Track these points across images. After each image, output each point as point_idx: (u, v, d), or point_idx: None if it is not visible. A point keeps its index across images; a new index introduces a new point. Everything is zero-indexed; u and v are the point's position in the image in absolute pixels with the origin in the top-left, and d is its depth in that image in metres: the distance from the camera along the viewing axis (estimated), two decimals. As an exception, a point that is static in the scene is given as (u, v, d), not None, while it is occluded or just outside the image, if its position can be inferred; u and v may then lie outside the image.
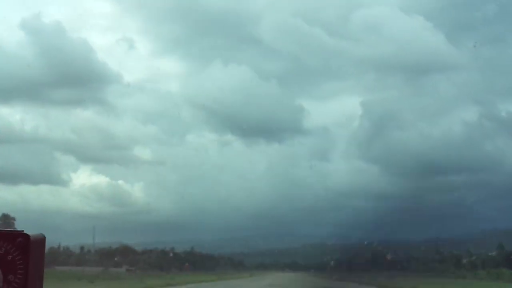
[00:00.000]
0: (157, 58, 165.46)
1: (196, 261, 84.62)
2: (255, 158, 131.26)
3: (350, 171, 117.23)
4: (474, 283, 57.80)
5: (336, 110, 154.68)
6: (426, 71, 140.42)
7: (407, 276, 59.08)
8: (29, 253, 1.81)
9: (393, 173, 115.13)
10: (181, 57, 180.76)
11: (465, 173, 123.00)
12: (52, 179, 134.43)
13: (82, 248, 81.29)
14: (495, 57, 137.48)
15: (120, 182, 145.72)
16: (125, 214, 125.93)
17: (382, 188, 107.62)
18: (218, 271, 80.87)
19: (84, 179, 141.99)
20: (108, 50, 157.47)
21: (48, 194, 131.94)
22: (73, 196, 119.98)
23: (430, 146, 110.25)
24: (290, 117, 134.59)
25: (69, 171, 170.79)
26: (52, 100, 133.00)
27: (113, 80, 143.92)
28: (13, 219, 50.65)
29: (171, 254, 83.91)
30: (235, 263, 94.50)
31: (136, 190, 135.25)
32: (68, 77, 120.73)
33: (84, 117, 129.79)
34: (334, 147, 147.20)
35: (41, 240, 1.89)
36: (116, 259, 80.00)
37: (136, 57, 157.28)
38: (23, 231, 1.84)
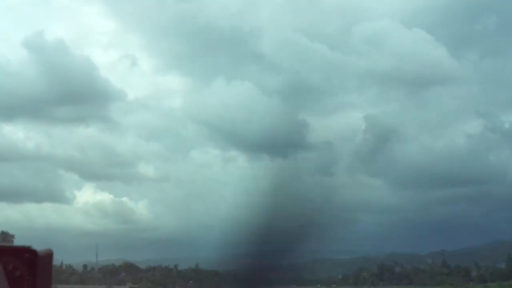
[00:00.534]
0: (160, 75, 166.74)
1: (201, 277, 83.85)
2: (259, 174, 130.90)
3: (355, 185, 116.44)
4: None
5: (340, 124, 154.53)
6: (428, 84, 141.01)
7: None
8: (36, 268, 1.79)
9: (398, 186, 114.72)
10: (184, 73, 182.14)
11: (469, 185, 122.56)
12: (56, 196, 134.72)
13: (85, 266, 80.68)
14: (497, 69, 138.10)
15: (124, 199, 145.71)
16: (129, 231, 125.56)
17: (386, 201, 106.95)
18: None
19: (88, 196, 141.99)
20: (111, 67, 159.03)
21: (52, 212, 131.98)
22: (77, 214, 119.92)
23: (434, 158, 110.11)
24: (293, 132, 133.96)
25: (73, 188, 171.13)
26: (55, 118, 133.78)
27: (116, 97, 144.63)
28: (12, 236, 50.46)
29: (175, 271, 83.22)
30: (240, 279, 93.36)
31: (140, 207, 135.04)
32: (71, 94, 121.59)
33: (87, 134, 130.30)
34: (338, 161, 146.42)
35: (49, 255, 1.88)
36: (120, 276, 79.36)
37: (139, 74, 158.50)
38: (30, 246, 1.84)
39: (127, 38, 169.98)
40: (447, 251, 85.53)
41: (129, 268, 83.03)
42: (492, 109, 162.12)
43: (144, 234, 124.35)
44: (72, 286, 66.13)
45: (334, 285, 72.41)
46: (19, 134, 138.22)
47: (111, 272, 79.29)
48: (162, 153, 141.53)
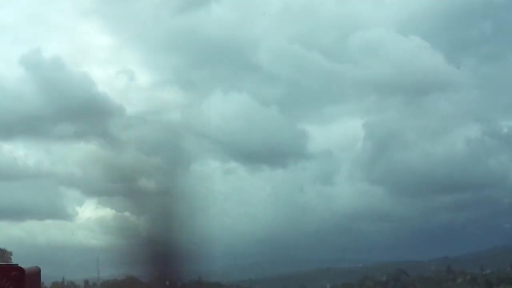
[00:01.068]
0: (158, 88, 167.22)
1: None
2: (260, 184, 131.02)
3: (355, 193, 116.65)
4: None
5: (339, 133, 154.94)
6: (426, 90, 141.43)
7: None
8: (23, 286, 1.77)
9: (398, 194, 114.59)
10: (182, 87, 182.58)
11: (470, 191, 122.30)
12: (58, 213, 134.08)
13: (86, 281, 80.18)
14: (495, 74, 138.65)
15: (126, 214, 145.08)
16: (131, 246, 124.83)
17: (387, 209, 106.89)
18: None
19: (90, 212, 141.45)
20: (109, 82, 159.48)
21: (54, 228, 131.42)
22: (79, 230, 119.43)
23: (434, 165, 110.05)
24: (293, 142, 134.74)
25: (75, 205, 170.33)
26: (54, 135, 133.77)
27: (115, 112, 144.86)
28: (10, 253, 50.26)
29: (179, 284, 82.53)
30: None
31: (142, 221, 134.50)
32: (69, 111, 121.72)
33: (87, 150, 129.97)
34: (338, 170, 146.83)
35: (36, 272, 1.84)
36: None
37: (137, 89, 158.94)
38: (17, 264, 1.80)
39: (124, 53, 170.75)
40: (450, 257, 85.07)
41: (132, 282, 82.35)
42: (491, 114, 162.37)
43: (147, 248, 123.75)
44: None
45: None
46: (19, 152, 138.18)
47: (113, 287, 78.69)
48: (163, 167, 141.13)
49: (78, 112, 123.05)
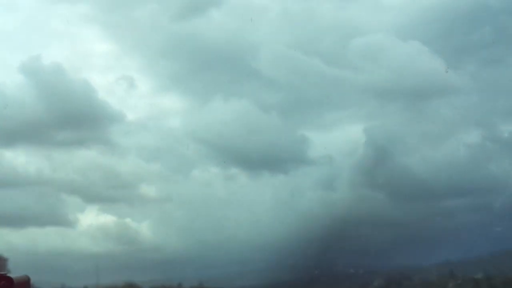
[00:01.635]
0: (158, 95, 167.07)
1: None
2: (260, 190, 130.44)
3: (357, 198, 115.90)
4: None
5: (340, 138, 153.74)
6: (426, 95, 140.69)
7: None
8: None
9: (400, 199, 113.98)
10: (182, 93, 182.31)
11: (471, 195, 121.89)
12: (59, 220, 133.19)
13: (86, 288, 79.71)
14: (495, 78, 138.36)
15: (127, 220, 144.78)
16: (132, 252, 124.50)
17: (389, 214, 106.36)
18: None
19: (91, 219, 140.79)
20: (109, 89, 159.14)
21: (55, 235, 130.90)
22: (80, 237, 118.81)
23: (435, 169, 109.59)
24: (293, 148, 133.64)
25: (76, 211, 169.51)
26: (55, 142, 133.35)
27: (115, 118, 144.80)
28: (6, 260, 49.93)
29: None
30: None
31: (143, 228, 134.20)
32: (70, 118, 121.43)
33: (88, 157, 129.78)
34: (340, 176, 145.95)
35: (25, 281, 1.70)
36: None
37: (138, 95, 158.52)
38: (5, 273, 1.64)
39: (124, 60, 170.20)
40: (452, 262, 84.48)
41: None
42: (492, 118, 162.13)
43: (148, 255, 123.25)
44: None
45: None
46: (20, 159, 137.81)
47: (113, 294, 78.22)
48: (163, 173, 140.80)
49: (78, 118, 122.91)
